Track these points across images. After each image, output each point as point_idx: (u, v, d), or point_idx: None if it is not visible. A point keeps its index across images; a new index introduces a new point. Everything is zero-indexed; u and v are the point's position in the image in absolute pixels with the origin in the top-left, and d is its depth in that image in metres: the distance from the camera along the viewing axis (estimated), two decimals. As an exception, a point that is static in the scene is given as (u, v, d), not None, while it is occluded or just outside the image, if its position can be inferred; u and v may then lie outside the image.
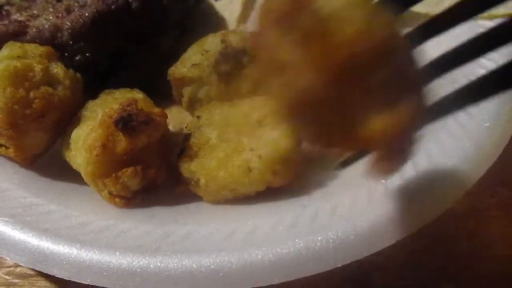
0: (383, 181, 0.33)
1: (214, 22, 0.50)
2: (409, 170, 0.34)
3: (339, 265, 0.31)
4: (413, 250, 0.37)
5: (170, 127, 0.40)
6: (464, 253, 0.37)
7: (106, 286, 0.31)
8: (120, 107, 0.34)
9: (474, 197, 0.38)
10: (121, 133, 0.33)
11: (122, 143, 0.34)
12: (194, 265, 0.31)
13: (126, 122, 0.33)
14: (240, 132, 0.35)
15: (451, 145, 0.35)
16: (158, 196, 0.37)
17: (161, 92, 0.42)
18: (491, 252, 0.37)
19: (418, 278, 0.36)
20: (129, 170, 0.34)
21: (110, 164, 0.34)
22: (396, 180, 0.33)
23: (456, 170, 0.34)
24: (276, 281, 0.31)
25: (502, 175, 0.38)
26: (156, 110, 0.36)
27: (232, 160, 0.34)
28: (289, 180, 0.35)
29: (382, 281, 0.36)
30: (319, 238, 0.31)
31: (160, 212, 0.35)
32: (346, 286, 0.36)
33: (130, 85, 0.40)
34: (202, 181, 0.34)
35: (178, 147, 0.37)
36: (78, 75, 0.40)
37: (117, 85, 0.40)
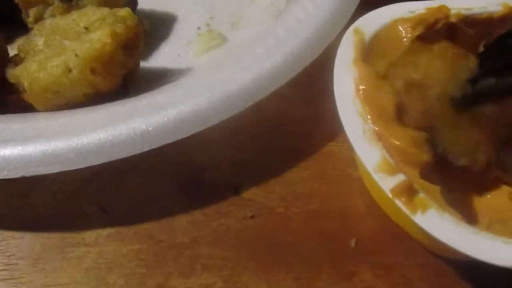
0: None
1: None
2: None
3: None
4: (244, 149, 0.38)
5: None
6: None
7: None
8: None
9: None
10: None
11: None
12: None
13: None
14: (66, 38, 0.35)
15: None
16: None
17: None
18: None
19: (248, 173, 0.37)
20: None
21: None
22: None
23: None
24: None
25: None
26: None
27: (52, 61, 0.34)
28: (113, 82, 0.35)
29: (216, 178, 0.36)
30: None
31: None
32: (183, 185, 0.36)
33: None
34: (26, 84, 0.34)
35: (12, 60, 0.37)
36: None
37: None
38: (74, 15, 0.37)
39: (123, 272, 0.33)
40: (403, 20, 0.36)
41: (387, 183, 0.28)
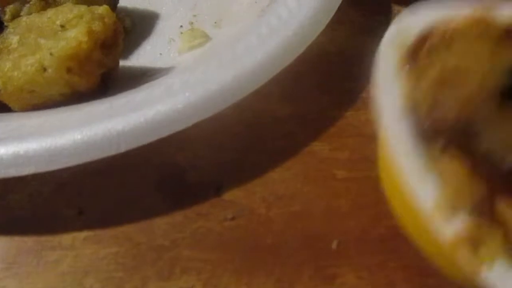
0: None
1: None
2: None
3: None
4: (225, 149, 0.37)
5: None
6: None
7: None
8: None
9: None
10: None
11: None
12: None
13: None
14: (41, 36, 0.34)
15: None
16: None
17: None
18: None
19: (230, 173, 0.36)
20: None
21: None
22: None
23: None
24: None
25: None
26: None
27: (26, 59, 0.33)
28: (91, 81, 0.34)
29: (197, 179, 0.36)
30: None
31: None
32: (162, 186, 0.36)
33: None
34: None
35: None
36: None
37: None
38: (50, 12, 0.36)
39: (100, 276, 0.32)
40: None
41: (445, 227, 0.24)
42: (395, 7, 0.48)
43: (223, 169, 0.36)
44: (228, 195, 0.35)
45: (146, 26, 0.45)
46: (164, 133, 0.31)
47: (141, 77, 0.40)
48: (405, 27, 0.31)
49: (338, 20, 0.42)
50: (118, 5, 0.45)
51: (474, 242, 0.24)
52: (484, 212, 0.25)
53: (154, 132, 0.31)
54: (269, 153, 0.38)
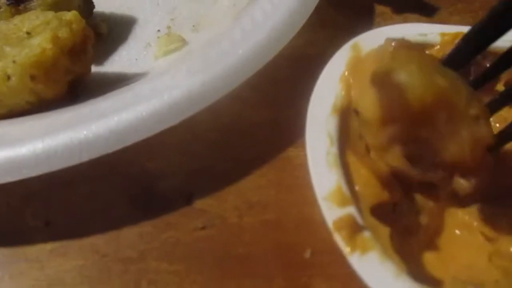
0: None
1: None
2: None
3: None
4: (198, 156, 0.37)
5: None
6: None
7: None
8: None
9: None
10: None
11: None
12: None
13: None
14: (7, 43, 0.34)
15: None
16: None
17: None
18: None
19: (202, 181, 0.35)
20: None
21: None
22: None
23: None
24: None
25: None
26: None
27: (-10, 68, 0.33)
28: (57, 89, 0.33)
29: (167, 188, 0.35)
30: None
31: None
32: (131, 195, 0.35)
33: None
34: (-37, 93, 0.33)
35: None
36: None
37: None
38: (17, 19, 0.35)
39: (65, 290, 0.31)
40: (409, 45, 0.32)
41: (332, 214, 0.27)
42: (378, 8, 0.46)
43: (194, 177, 0.36)
44: (199, 204, 0.34)
45: (122, 31, 0.45)
46: (128, 141, 0.30)
47: (114, 83, 0.39)
48: (362, 42, 0.33)
49: (319, 22, 0.41)
50: (95, 10, 0.44)
51: (352, 229, 0.26)
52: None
53: (117, 141, 0.30)
54: (243, 160, 0.37)
